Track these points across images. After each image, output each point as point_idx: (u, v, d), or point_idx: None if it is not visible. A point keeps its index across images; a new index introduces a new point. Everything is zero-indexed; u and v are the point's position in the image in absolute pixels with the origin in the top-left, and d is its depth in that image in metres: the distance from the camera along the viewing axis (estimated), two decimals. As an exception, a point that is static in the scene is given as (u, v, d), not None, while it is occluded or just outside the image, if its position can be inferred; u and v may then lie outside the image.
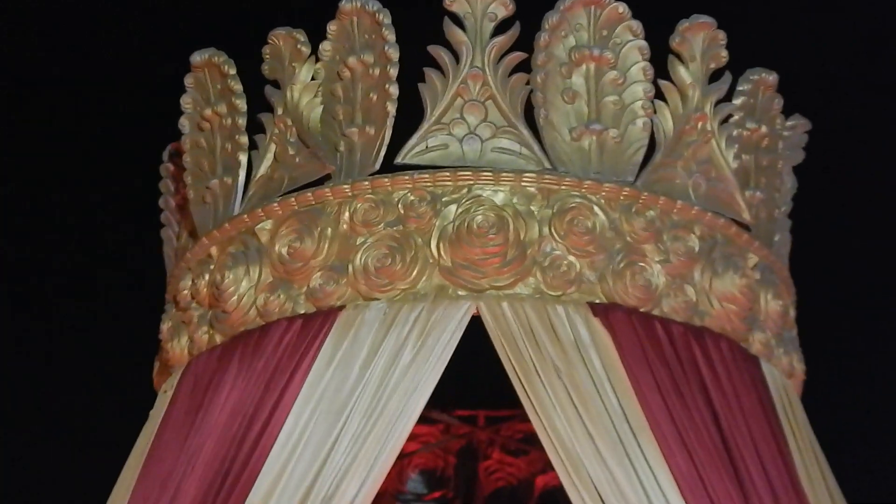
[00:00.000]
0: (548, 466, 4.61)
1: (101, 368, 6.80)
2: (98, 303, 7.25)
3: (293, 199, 3.81)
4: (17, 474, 7.67)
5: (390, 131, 3.77)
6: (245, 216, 3.90)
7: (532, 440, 4.89)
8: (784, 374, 4.14)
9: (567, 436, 3.53)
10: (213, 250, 3.98)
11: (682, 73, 3.91)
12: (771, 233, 4.25)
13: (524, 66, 3.78)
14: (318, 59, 3.98)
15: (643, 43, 3.88)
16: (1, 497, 7.52)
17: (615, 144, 3.79)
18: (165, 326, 4.29)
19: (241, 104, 4.07)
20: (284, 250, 3.74)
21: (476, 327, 3.71)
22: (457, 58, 3.82)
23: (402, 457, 5.19)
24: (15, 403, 7.61)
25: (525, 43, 3.80)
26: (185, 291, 4.11)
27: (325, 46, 4.00)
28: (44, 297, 7.92)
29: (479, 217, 3.60)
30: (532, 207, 3.68)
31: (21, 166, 7.65)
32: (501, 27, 3.78)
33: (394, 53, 3.80)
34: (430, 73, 3.82)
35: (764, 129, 4.25)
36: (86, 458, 6.38)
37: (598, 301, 3.63)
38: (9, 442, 7.53)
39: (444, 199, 3.67)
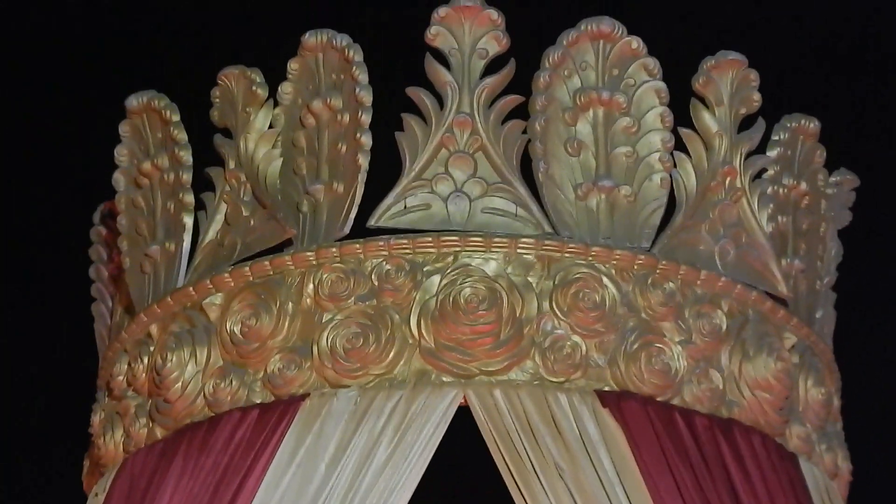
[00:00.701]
0: None
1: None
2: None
3: (247, 268, 3.44)
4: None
5: (362, 188, 3.41)
6: (191, 288, 3.54)
7: None
8: (827, 474, 3.75)
9: None
10: (154, 329, 3.62)
11: (707, 119, 3.59)
12: (812, 308, 3.93)
13: (521, 112, 3.47)
14: (276, 104, 3.64)
15: (661, 84, 3.56)
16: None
17: (628, 204, 3.47)
18: (97, 418, 3.89)
19: (186, 156, 3.72)
20: (237, 329, 3.39)
21: (464, 419, 3.38)
22: (441, 101, 3.49)
23: None
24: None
25: (522, 84, 3.51)
26: (121, 377, 3.69)
27: (286, 88, 3.66)
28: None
29: (468, 290, 3.25)
30: (530, 279, 3.33)
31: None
32: (493, 65, 3.46)
33: (366, 97, 3.47)
34: (409, 119, 3.48)
35: (804, 185, 3.91)
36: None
37: (607, 389, 3.29)
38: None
39: (425, 269, 3.32)
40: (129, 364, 3.73)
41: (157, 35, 6.49)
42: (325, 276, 3.37)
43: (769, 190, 3.87)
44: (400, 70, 3.71)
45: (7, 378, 7.30)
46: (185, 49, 5.83)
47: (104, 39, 6.77)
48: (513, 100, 3.49)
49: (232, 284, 3.48)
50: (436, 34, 3.51)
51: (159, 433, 3.53)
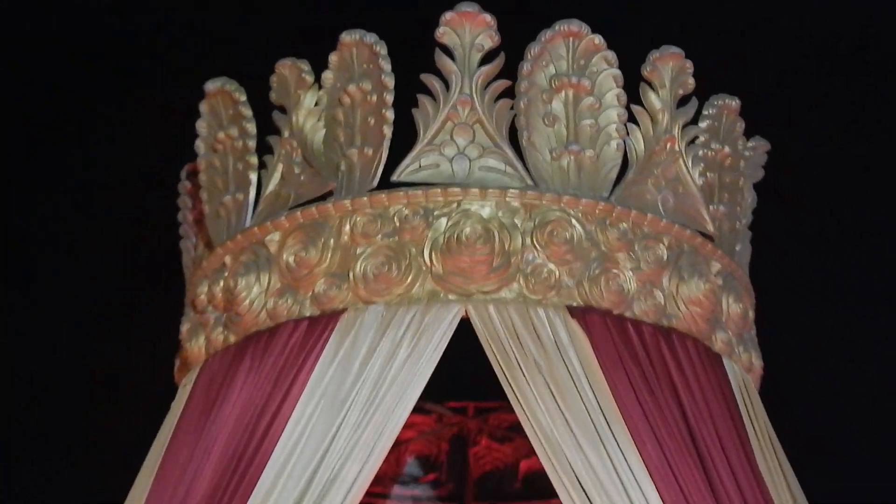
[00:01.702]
0: (531, 452, 4.55)
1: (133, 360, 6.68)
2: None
3: (299, 213, 3.85)
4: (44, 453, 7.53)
5: (386, 152, 3.80)
6: (255, 229, 3.94)
7: (516, 429, 4.76)
8: (744, 369, 4.14)
9: (548, 426, 3.57)
10: (227, 259, 4.03)
11: (653, 98, 3.95)
12: (733, 243, 4.25)
13: (509, 93, 3.81)
14: (320, 87, 4.03)
15: (617, 72, 3.92)
16: (37, 474, 7.35)
17: (591, 164, 3.82)
18: (185, 328, 4.32)
19: (251, 128, 4.12)
20: (291, 259, 3.79)
21: (465, 328, 3.73)
22: (447, 85, 3.85)
23: (399, 444, 5.19)
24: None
25: (509, 71, 3.84)
26: (202, 297, 4.14)
27: (327, 75, 4.05)
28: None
29: (468, 229, 3.64)
30: (516, 221, 3.71)
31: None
32: (488, 57, 3.80)
33: (389, 81, 3.86)
34: (422, 99, 3.86)
35: (727, 149, 4.27)
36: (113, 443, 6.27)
37: (575, 304, 3.67)
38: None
39: (435, 213, 3.70)
40: (209, 287, 4.11)
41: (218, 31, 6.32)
42: (358, 219, 3.75)
43: (700, 153, 4.20)
44: (416, 61, 3.90)
45: (7, 378, 7.27)
46: (252, 44, 5.76)
47: (171, 30, 6.72)
48: (503, 84, 3.83)
49: (287, 225, 3.85)
50: (443, 33, 3.84)
51: (232, 339, 3.93)
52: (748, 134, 4.44)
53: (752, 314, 4.28)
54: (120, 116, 7.39)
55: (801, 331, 6.17)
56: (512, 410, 3.75)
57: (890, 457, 7.24)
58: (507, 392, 3.68)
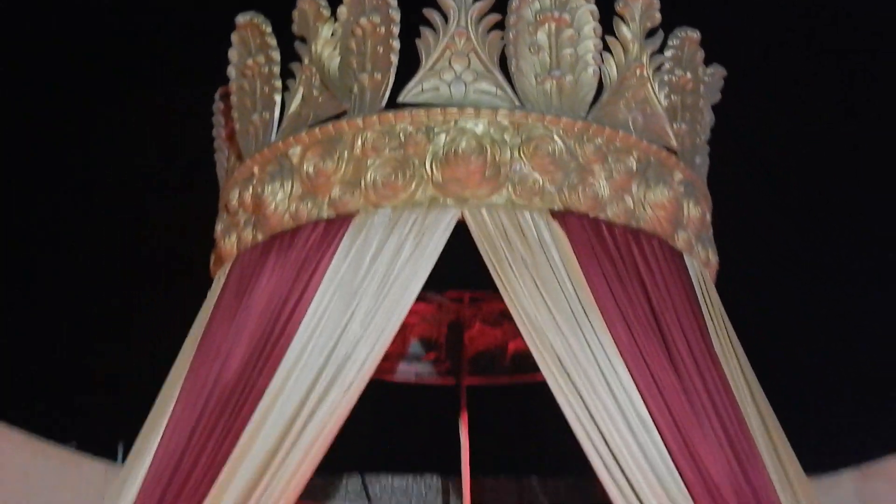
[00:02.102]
0: (517, 335, 4.74)
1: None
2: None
3: (317, 130, 4.12)
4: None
5: (393, 77, 4.08)
6: (280, 143, 4.24)
7: (505, 315, 4.97)
8: (702, 264, 4.43)
9: (532, 312, 3.88)
10: (255, 169, 4.32)
11: (625, 31, 4.21)
12: (693, 156, 4.52)
13: (499, 26, 4.09)
14: (336, 20, 4.27)
15: (594, 7, 4.16)
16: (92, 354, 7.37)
17: (571, 87, 4.08)
18: (219, 228, 4.61)
19: (276, 56, 4.39)
20: (311, 169, 4.07)
21: (461, 229, 4.02)
22: (446, 19, 4.12)
23: (404, 328, 5.33)
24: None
25: (500, 7, 4.09)
26: (234, 201, 4.41)
27: (342, 10, 4.26)
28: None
29: (464, 144, 3.94)
30: (505, 137, 3.99)
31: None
32: None
33: (396, 15, 4.12)
34: (424, 31, 4.12)
35: (689, 75, 4.53)
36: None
37: (556, 208, 3.97)
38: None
39: (435, 130, 3.99)
40: (240, 192, 4.38)
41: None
42: (368, 134, 4.02)
43: (665, 78, 4.47)
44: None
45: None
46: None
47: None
48: (494, 18, 4.08)
49: (307, 140, 4.14)
50: (443, -25, 4.30)
51: (259, 237, 4.24)
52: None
53: (708, 217, 4.54)
54: (120, 116, 7.33)
55: (755, 231, 6.36)
56: (502, 299, 4.02)
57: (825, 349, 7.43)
58: (497, 284, 3.95)
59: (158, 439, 4.18)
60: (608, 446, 3.81)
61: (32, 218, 7.52)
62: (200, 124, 5.26)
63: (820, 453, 5.30)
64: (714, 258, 4.57)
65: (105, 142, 7.44)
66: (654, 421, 3.84)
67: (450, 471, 6.63)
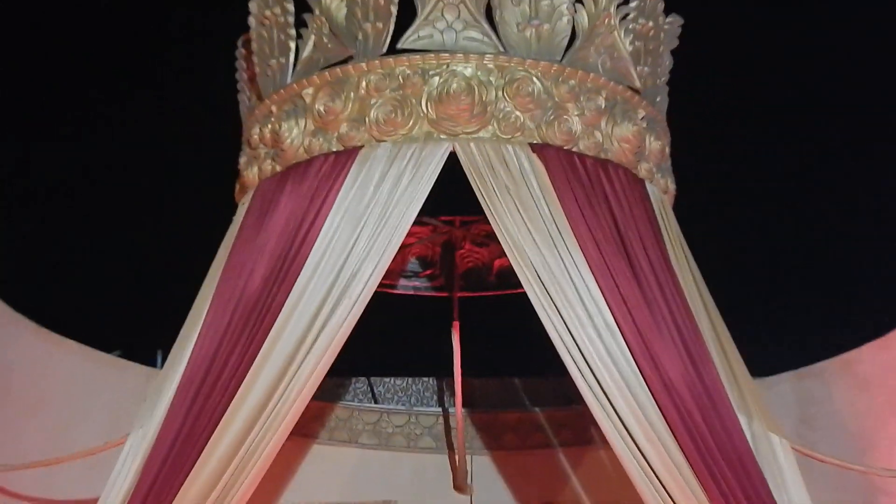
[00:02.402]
0: (502, 254, 5.04)
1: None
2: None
3: (327, 73, 4.41)
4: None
5: (393, 26, 4.33)
6: (294, 85, 4.52)
7: (491, 237, 5.26)
8: (661, 191, 4.70)
9: (514, 233, 4.24)
10: (273, 108, 4.61)
11: None
12: (654, 95, 4.81)
13: None
14: None
15: None
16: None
17: (548, 34, 4.36)
18: (242, 160, 4.93)
19: (290, 7, 4.63)
20: (322, 108, 4.35)
21: (452, 160, 4.31)
22: None
23: (404, 247, 5.55)
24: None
25: None
26: (255, 136, 4.70)
27: None
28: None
29: (455, 85, 4.23)
30: (491, 78, 4.28)
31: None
32: None
33: None
34: None
35: (651, 23, 4.77)
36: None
37: (535, 142, 4.30)
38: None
39: (430, 73, 4.28)
40: (260, 129, 4.63)
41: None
42: (371, 77, 4.29)
43: (630, 26, 4.69)
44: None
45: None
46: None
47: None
48: None
49: (318, 82, 4.41)
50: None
51: (277, 168, 4.56)
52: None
53: (668, 149, 4.84)
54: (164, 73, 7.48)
55: (709, 163, 6.55)
56: (488, 222, 4.36)
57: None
58: (484, 208, 4.31)
59: (192, 346, 4.52)
60: (579, 349, 4.18)
61: (89, 152, 7.78)
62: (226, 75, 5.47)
63: (765, 358, 5.62)
64: (672, 186, 4.88)
65: (155, 99, 7.69)
66: (619, 327, 4.20)
67: (444, 373, 6.92)
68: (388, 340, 6.99)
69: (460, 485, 6.83)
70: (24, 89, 7.95)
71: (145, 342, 6.65)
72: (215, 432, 4.26)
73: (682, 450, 4.15)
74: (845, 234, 8.35)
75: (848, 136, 7.81)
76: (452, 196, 4.80)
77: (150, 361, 6.48)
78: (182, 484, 4.31)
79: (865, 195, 8.44)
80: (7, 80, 7.94)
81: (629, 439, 4.19)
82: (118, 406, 5.67)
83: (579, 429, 6.68)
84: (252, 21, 4.80)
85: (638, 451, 4.17)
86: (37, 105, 8.17)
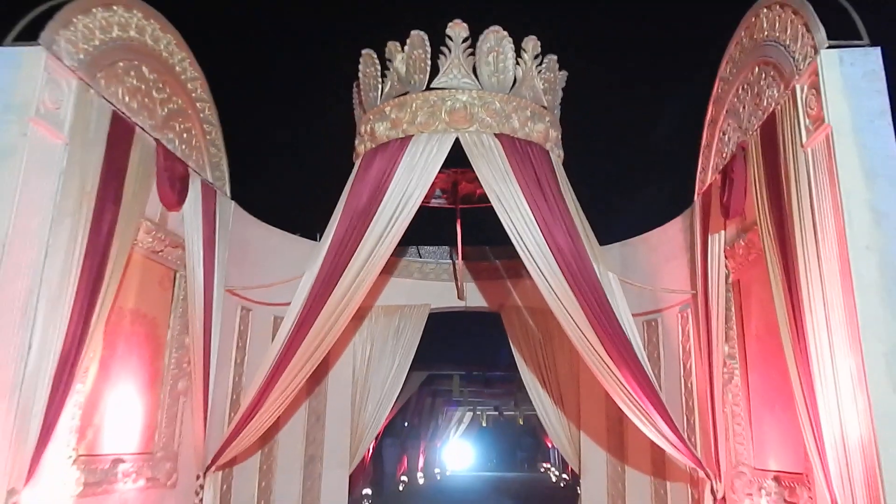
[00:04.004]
0: (480, 186, 6.03)
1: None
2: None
3: (396, 99, 5.63)
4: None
5: (428, 76, 5.54)
6: (381, 105, 5.80)
7: (475, 179, 5.93)
8: (556, 157, 5.80)
9: (487, 177, 5.49)
10: (371, 116, 5.79)
11: (525, 56, 5.63)
12: (553, 109, 5.93)
13: (472, 54, 5.53)
14: (403, 51, 5.71)
15: (513, 46, 5.61)
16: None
17: (502, 79, 5.61)
18: (357, 141, 5.97)
19: (378, 67, 5.75)
20: (394, 116, 5.61)
21: (457, 143, 5.55)
22: (450, 51, 5.61)
23: (433, 183, 6.19)
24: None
25: (473, 41, 5.52)
26: (362, 130, 5.89)
27: (407, 48, 5.66)
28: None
29: (458, 105, 5.55)
30: (475, 102, 5.57)
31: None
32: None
33: (428, 51, 5.54)
34: (441, 56, 5.54)
35: (551, 74, 5.86)
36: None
37: (497, 132, 5.55)
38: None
39: (446, 99, 5.57)
40: (364, 126, 5.79)
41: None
42: (418, 101, 5.53)
43: (542, 75, 5.78)
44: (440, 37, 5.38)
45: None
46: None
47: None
48: (469, 51, 5.52)
49: (392, 104, 5.65)
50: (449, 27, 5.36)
51: (372, 146, 5.76)
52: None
53: (559, 136, 5.94)
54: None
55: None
56: (474, 172, 5.62)
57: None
58: (472, 165, 5.51)
59: (332, 233, 5.66)
60: (518, 233, 5.38)
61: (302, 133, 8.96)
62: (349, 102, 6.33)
63: (604, 234, 6.15)
64: (561, 154, 5.92)
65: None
66: (535, 222, 5.36)
67: (453, 244, 8.09)
68: (426, 227, 7.42)
69: (460, 296, 8.44)
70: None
71: (311, 228, 7.39)
72: (344, 272, 5.50)
73: (567, 281, 5.31)
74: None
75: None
76: (457, 159, 5.71)
77: (312, 237, 7.40)
78: (333, 288, 5.53)
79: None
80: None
81: (541, 275, 5.35)
82: (299, 260, 6.27)
83: (519, 269, 7.68)
84: (360, 74, 5.91)
85: (545, 280, 5.37)
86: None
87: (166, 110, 5.48)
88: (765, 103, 4.70)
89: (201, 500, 5.78)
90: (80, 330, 4.19)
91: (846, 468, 3.59)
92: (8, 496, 3.76)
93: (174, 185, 5.38)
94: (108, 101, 4.66)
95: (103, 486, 4.76)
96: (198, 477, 5.80)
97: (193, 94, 5.82)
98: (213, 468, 5.87)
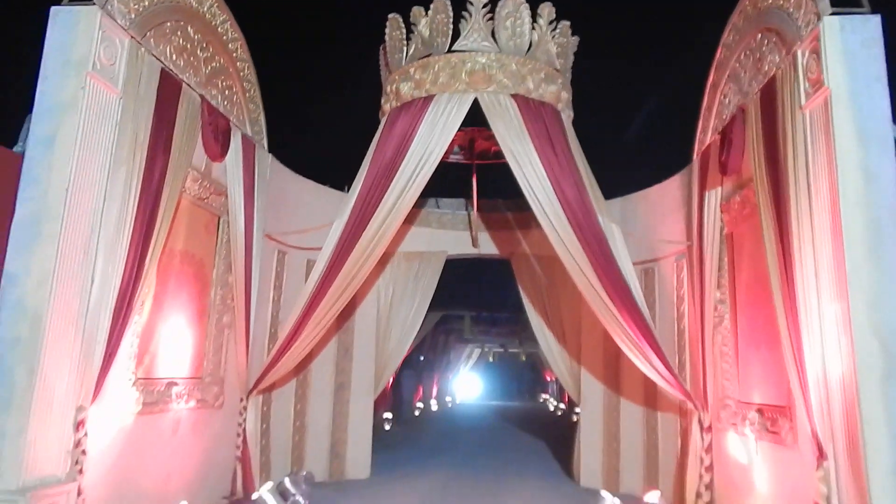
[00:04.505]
0: (496, 144, 5.86)
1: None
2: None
3: (420, 60, 5.55)
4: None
5: (450, 39, 5.41)
6: (406, 66, 5.67)
7: (492, 136, 5.91)
8: (568, 117, 5.68)
9: (503, 134, 5.39)
10: (396, 77, 5.70)
11: (541, 21, 5.51)
12: (565, 72, 5.80)
13: (491, 19, 5.36)
14: (427, 16, 5.53)
15: (529, 11, 5.42)
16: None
17: (519, 43, 5.45)
18: (383, 99, 5.88)
19: (404, 31, 5.67)
20: (418, 77, 5.52)
21: (475, 103, 5.46)
22: (470, 15, 5.44)
23: (452, 141, 6.23)
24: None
25: (492, 7, 5.37)
26: (388, 89, 5.78)
27: (430, 13, 5.50)
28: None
29: (477, 67, 5.41)
30: (493, 64, 5.44)
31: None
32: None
33: (450, 14, 5.36)
34: (462, 20, 5.38)
35: (564, 39, 5.67)
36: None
37: (513, 93, 5.43)
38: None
39: (466, 62, 5.47)
40: (390, 86, 5.70)
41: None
42: (440, 63, 5.39)
43: (556, 40, 5.62)
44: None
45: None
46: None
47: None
48: (489, 17, 5.34)
49: (416, 65, 5.52)
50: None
51: (397, 104, 5.64)
52: None
53: (570, 97, 5.85)
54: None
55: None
56: (490, 130, 5.50)
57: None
58: (490, 123, 5.39)
59: (360, 185, 5.58)
60: (531, 187, 5.30)
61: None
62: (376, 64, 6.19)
63: (608, 189, 5.94)
64: (571, 114, 5.84)
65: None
66: (546, 176, 5.31)
67: (469, 196, 8.07)
68: (445, 181, 7.35)
69: (474, 244, 8.33)
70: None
71: (340, 180, 7.42)
72: (370, 221, 5.46)
73: (573, 230, 5.29)
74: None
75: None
76: (476, 118, 5.67)
77: (342, 188, 7.43)
78: (361, 235, 5.51)
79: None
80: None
81: (550, 225, 5.30)
82: (330, 209, 6.33)
83: (528, 220, 7.63)
84: (387, 38, 5.85)
85: (554, 230, 5.31)
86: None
87: (210, 69, 5.39)
88: (766, 68, 4.55)
89: (244, 419, 5.87)
90: (135, 267, 4.20)
91: (826, 402, 3.60)
92: (77, 412, 3.87)
93: (217, 137, 5.31)
94: (158, 59, 4.59)
95: (159, 406, 4.88)
96: (241, 399, 5.88)
97: (234, 55, 5.73)
98: (255, 392, 5.94)
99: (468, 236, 8.30)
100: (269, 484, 5.26)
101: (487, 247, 8.37)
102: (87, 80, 3.93)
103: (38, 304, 3.63)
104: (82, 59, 3.95)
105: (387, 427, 12.40)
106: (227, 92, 5.70)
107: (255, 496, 5.24)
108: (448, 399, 22.57)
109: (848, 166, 3.57)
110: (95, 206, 3.99)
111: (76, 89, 3.91)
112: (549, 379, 23.61)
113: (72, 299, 3.79)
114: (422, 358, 17.31)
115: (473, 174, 7.66)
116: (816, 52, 3.79)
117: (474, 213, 7.98)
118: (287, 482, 5.46)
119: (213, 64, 5.43)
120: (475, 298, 14.97)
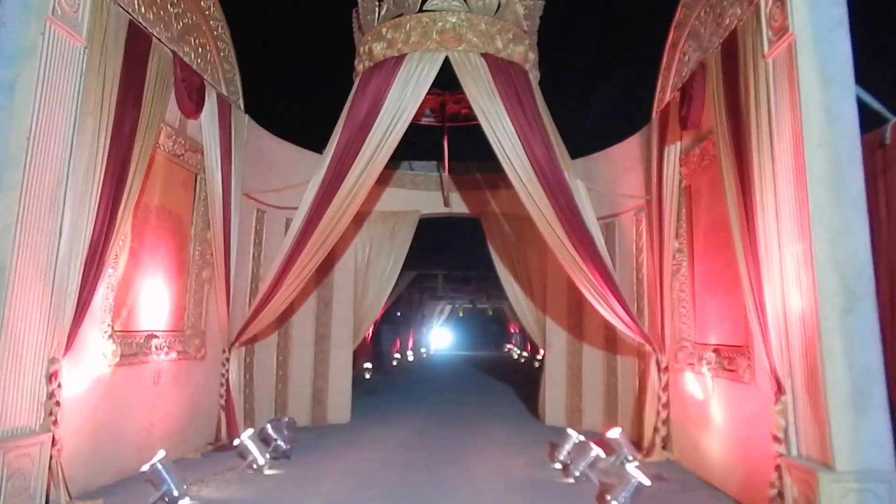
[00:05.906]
0: (468, 106, 5.82)
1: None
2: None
3: (392, 20, 5.16)
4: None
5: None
6: (378, 27, 5.28)
7: (463, 99, 5.88)
8: (535, 78, 5.36)
9: (474, 94, 5.01)
10: (369, 37, 5.31)
11: None
12: (532, 33, 5.50)
13: None
14: None
15: None
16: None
17: (488, 4, 5.11)
18: (356, 61, 5.49)
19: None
20: (390, 36, 5.12)
21: (447, 62, 5.07)
22: None
23: (423, 102, 5.76)
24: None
25: None
26: (361, 50, 5.39)
27: None
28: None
29: (448, 26, 5.03)
30: (463, 23, 5.04)
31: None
32: None
33: None
34: None
35: (531, 2, 5.33)
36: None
37: (482, 52, 5.07)
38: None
39: (437, 21, 5.08)
40: (363, 46, 5.29)
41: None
42: (412, 22, 4.98)
43: (523, 2, 5.23)
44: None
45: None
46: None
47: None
48: None
49: (388, 25, 5.12)
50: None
51: (370, 64, 5.24)
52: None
53: (536, 58, 5.47)
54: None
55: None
56: (462, 91, 5.09)
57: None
58: (461, 83, 5.02)
59: (335, 144, 5.20)
60: (501, 146, 4.99)
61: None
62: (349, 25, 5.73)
63: (572, 149, 5.67)
64: (538, 74, 5.52)
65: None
66: (516, 135, 4.98)
67: (440, 158, 7.61)
68: (416, 143, 7.07)
69: (446, 203, 7.97)
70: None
71: (317, 142, 6.36)
72: (345, 178, 5.10)
73: (542, 187, 5.04)
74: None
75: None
76: (446, 78, 5.30)
77: (319, 152, 6.14)
78: (336, 192, 5.15)
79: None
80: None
81: (520, 182, 5.04)
82: (306, 169, 5.90)
83: (496, 181, 7.47)
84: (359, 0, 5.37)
85: (523, 185, 5.06)
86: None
87: (181, 24, 4.86)
88: (727, 22, 4.22)
89: (227, 370, 5.51)
90: (107, 220, 3.79)
91: (785, 339, 3.39)
92: (50, 364, 3.50)
93: (191, 94, 4.83)
94: (125, 10, 4.07)
95: (139, 357, 4.50)
96: (224, 351, 5.52)
97: (207, 13, 5.19)
98: (237, 344, 5.57)
99: (440, 196, 7.92)
100: (250, 431, 4.84)
101: (459, 206, 8.00)
102: (47, 25, 3.47)
103: (2, 256, 3.21)
104: (41, 3, 3.49)
105: (367, 376, 12.06)
106: (200, 50, 5.19)
107: (236, 442, 4.91)
108: (423, 350, 22.36)
109: (812, 109, 3.29)
110: (62, 156, 3.54)
111: (36, 34, 3.45)
112: (513, 330, 23.57)
113: (39, 250, 3.39)
114: (399, 314, 17.00)
115: (445, 136, 7.20)
116: (780, 0, 3.47)
117: (445, 174, 7.64)
118: (269, 428, 5.14)
119: (185, 20, 4.91)
120: (447, 258, 14.61)
